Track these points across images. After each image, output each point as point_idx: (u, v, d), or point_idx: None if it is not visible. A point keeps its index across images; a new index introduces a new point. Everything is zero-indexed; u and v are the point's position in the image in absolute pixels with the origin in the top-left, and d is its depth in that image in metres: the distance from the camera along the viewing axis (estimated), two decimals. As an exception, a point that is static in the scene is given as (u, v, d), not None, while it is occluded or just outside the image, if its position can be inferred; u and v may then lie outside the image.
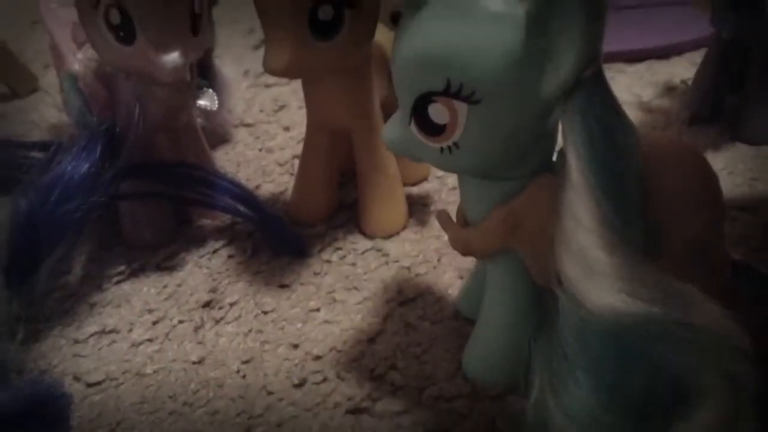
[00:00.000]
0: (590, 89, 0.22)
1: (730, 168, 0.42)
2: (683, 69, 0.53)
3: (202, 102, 0.36)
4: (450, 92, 0.23)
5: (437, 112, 0.24)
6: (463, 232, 0.28)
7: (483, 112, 0.23)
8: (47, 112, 0.51)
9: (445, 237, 0.37)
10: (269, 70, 0.32)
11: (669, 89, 0.51)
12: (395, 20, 0.40)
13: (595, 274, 0.22)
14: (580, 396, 0.23)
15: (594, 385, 0.23)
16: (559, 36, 0.21)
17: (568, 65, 0.21)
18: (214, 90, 0.39)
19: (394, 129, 0.26)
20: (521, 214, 0.26)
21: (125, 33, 0.32)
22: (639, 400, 0.22)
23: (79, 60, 0.36)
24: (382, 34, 0.36)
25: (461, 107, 0.23)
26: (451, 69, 0.23)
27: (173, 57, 0.33)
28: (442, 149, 0.25)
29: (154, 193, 0.37)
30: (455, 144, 0.24)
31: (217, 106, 0.36)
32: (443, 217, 0.30)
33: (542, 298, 0.26)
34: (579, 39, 0.21)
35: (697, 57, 0.49)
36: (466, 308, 0.33)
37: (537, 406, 0.24)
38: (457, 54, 0.22)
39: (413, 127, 0.25)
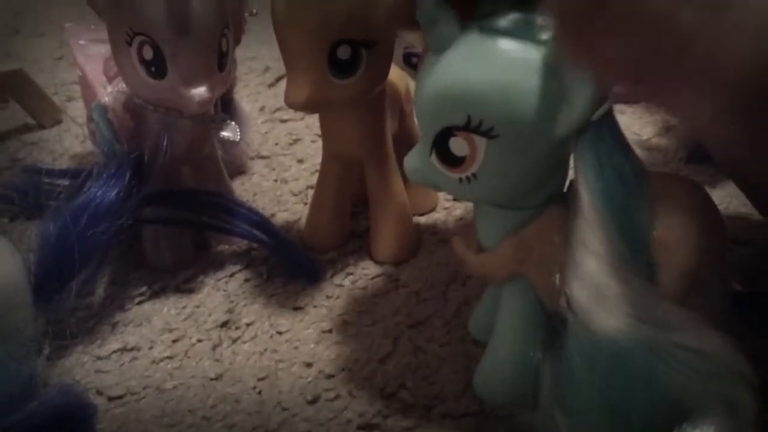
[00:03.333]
0: (601, 127, 0.25)
1: (726, 204, 0.44)
2: (680, 110, 0.54)
3: (225, 133, 0.38)
4: (470, 127, 0.25)
5: (457, 145, 0.26)
6: (478, 258, 0.30)
7: (500, 147, 0.25)
8: (70, 142, 0.53)
9: (453, 264, 0.39)
10: (289, 104, 0.34)
11: (667, 129, 0.53)
12: (407, 60, 0.43)
13: (603, 298, 0.24)
14: (587, 412, 0.24)
15: (600, 403, 0.24)
16: (573, 79, 0.24)
17: (581, 106, 0.24)
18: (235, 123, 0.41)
19: (416, 159, 0.28)
20: (532, 243, 0.28)
21: (156, 68, 0.34)
22: (642, 418, 0.24)
23: (109, 93, 0.38)
24: (395, 73, 0.39)
25: (480, 141, 0.25)
26: (472, 106, 0.25)
27: (201, 91, 0.35)
28: (460, 179, 0.27)
29: (176, 218, 0.39)
30: (473, 175, 0.26)
31: (239, 137, 0.38)
32: (459, 244, 0.31)
33: (550, 320, 0.28)
34: (591, 83, 0.23)
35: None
36: (476, 331, 0.35)
37: (546, 421, 0.26)
38: (478, 92, 0.25)
39: (434, 158, 0.27)
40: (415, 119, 0.28)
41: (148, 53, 0.34)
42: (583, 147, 0.25)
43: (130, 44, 0.34)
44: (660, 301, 0.24)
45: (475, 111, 0.25)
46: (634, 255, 0.24)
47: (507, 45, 0.24)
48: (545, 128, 0.25)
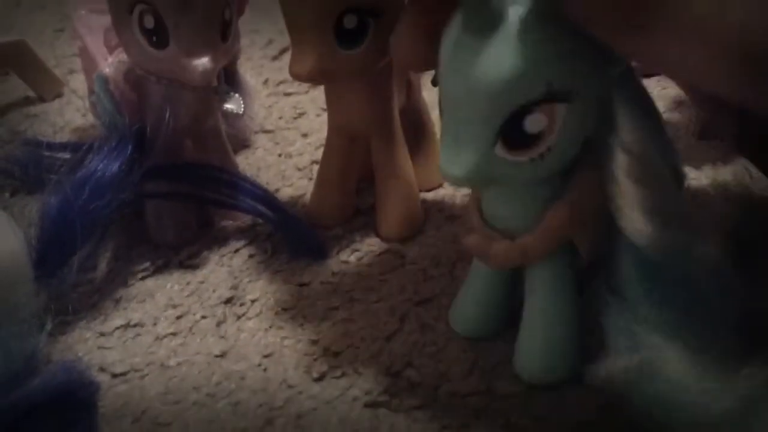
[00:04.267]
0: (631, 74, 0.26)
1: (738, 180, 0.43)
2: (693, 85, 0.53)
3: (228, 106, 0.38)
4: (552, 95, 0.24)
5: (534, 121, 0.24)
6: (518, 243, 0.29)
7: (577, 107, 0.24)
8: (72, 115, 0.52)
9: (460, 240, 0.39)
10: (294, 74, 0.34)
11: (679, 104, 0.51)
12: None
13: (659, 216, 0.24)
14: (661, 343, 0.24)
15: (666, 326, 0.24)
16: None
17: None
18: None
19: (466, 161, 0.25)
20: (583, 200, 0.27)
21: (158, 38, 0.34)
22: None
23: (110, 64, 0.38)
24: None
25: (560, 108, 0.24)
26: (552, 71, 0.23)
27: (203, 62, 0.34)
28: (532, 159, 0.25)
29: (179, 193, 0.38)
30: (548, 149, 0.25)
31: (243, 110, 0.38)
32: (480, 240, 0.30)
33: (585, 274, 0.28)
34: None
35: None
36: (466, 328, 0.34)
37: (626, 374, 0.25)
38: (556, 55, 0.23)
39: (499, 149, 0.25)
40: (454, 117, 0.25)
41: (150, 22, 0.33)
42: (620, 86, 0.25)
43: (131, 12, 0.33)
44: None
45: (555, 75, 0.23)
46: (673, 176, 0.25)
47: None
48: (605, 71, 0.24)
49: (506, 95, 0.24)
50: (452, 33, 0.25)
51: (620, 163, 0.25)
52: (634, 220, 0.25)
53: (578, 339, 0.30)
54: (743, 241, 0.27)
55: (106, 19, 0.36)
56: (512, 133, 0.24)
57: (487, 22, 0.23)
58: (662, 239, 0.24)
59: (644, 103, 0.26)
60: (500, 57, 0.23)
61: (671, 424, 0.23)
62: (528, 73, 0.23)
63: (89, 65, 0.42)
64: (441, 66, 0.25)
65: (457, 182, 0.26)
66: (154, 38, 0.34)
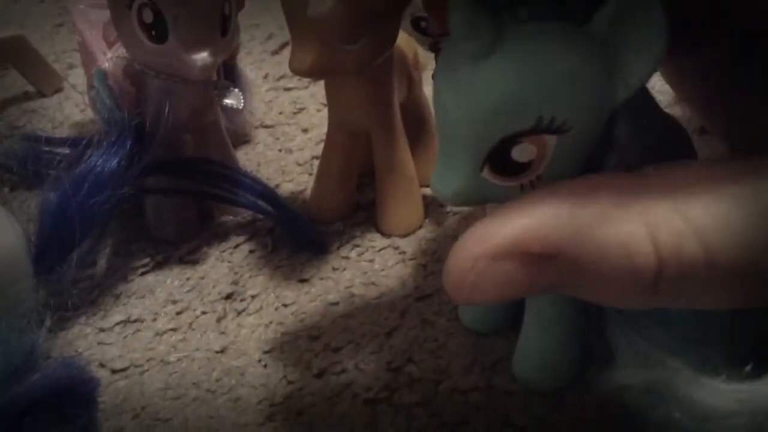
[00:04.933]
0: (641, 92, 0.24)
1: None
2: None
3: (228, 101, 0.37)
4: (541, 128, 0.22)
5: (523, 151, 0.23)
6: None
7: (570, 138, 0.23)
8: (71, 110, 0.52)
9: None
10: (293, 69, 0.33)
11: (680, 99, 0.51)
12: (416, 25, 0.41)
13: None
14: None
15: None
16: (630, 51, 0.22)
17: (639, 76, 0.22)
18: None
19: (453, 181, 0.24)
20: None
21: (157, 32, 0.33)
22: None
23: (109, 58, 0.37)
24: (403, 39, 0.38)
25: (550, 140, 0.23)
26: (543, 104, 0.22)
27: (203, 56, 0.34)
28: (522, 186, 0.24)
29: (180, 188, 0.38)
30: (538, 177, 0.24)
31: (242, 105, 0.37)
32: None
33: None
34: (650, 55, 0.22)
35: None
36: (467, 318, 0.34)
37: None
38: (548, 88, 0.22)
39: (487, 173, 0.24)
40: (444, 136, 0.24)
41: (148, 16, 0.33)
42: (627, 112, 0.24)
43: (129, 7, 0.33)
44: None
45: (547, 109, 0.22)
46: None
47: (558, 30, 0.22)
48: (605, 103, 0.23)
49: (493, 124, 0.23)
50: (448, 53, 0.24)
51: None
52: None
53: (579, 345, 0.30)
54: None
55: (105, 14, 0.36)
56: (500, 160, 0.23)
57: (479, 48, 0.22)
58: None
59: (652, 131, 0.25)
60: (488, 85, 0.22)
61: None
62: (516, 104, 0.22)
63: (88, 60, 0.42)
64: (435, 85, 0.24)
65: (445, 201, 0.26)
66: (153, 32, 0.33)
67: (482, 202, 0.26)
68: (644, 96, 0.25)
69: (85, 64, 0.44)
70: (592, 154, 0.26)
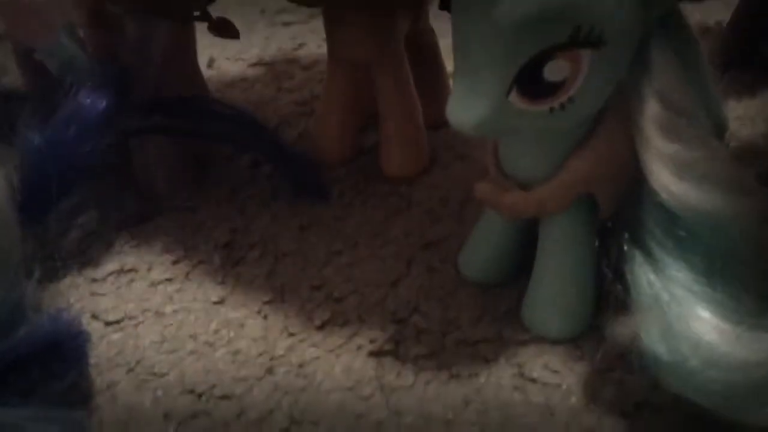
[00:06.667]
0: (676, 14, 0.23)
1: (766, 114, 0.41)
2: (718, 10, 0.50)
3: (224, 33, 0.35)
4: (578, 40, 0.21)
5: (555, 68, 0.21)
6: (534, 194, 0.27)
7: (606, 54, 0.22)
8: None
9: (469, 181, 0.37)
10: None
11: (703, 31, 0.49)
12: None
13: (691, 171, 0.23)
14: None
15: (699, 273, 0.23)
16: None
17: None
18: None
19: (476, 108, 0.22)
20: (608, 151, 0.25)
21: None
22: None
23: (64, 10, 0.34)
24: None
25: (585, 55, 0.21)
26: (581, 12, 0.20)
27: None
28: (551, 109, 0.22)
29: (173, 127, 0.36)
30: (570, 99, 0.22)
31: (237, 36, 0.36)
32: (490, 189, 0.28)
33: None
34: None
35: (732, -1, 0.47)
36: (470, 271, 0.32)
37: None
38: None
39: (515, 97, 0.22)
40: (465, 57, 0.22)
41: None
42: (663, 28, 0.23)
43: None
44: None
45: (587, 18, 0.20)
46: (713, 129, 0.24)
47: None
48: (642, 16, 0.22)
49: (525, 38, 0.21)
50: None
51: (650, 112, 0.23)
52: (663, 177, 0.23)
53: (593, 291, 0.28)
54: None
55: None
56: (530, 80, 0.22)
57: None
58: (693, 198, 0.23)
59: (686, 48, 0.23)
60: None
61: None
62: (552, 13, 0.20)
63: (24, 20, 0.38)
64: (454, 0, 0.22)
65: (466, 131, 0.23)
66: None
67: (505, 133, 0.25)
68: (681, 19, 0.23)
69: (20, 26, 0.40)
70: (629, 80, 0.24)
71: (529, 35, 0.21)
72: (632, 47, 0.23)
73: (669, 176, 0.23)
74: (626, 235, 0.25)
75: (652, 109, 0.23)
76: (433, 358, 0.29)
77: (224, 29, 0.36)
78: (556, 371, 0.28)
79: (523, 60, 0.21)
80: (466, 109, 0.22)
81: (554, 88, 0.22)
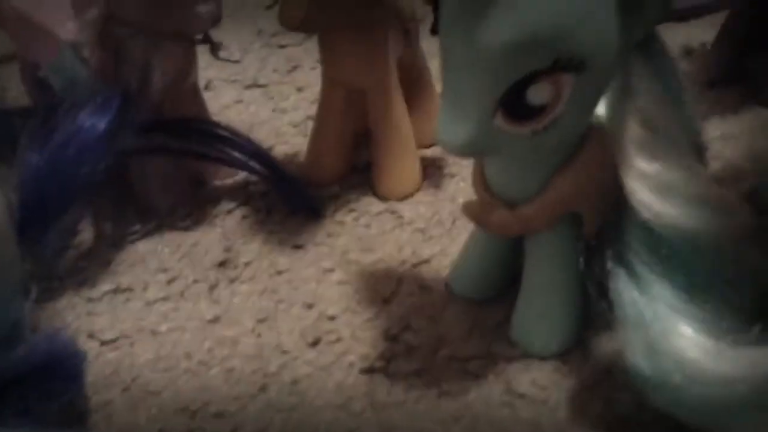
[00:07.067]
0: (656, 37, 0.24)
1: (749, 132, 0.41)
2: (702, 31, 0.51)
3: (223, 55, 0.36)
4: (559, 66, 0.22)
5: (539, 92, 0.22)
6: (519, 213, 0.27)
7: (587, 78, 0.22)
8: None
9: (459, 199, 0.37)
10: (284, 23, 0.32)
11: (688, 52, 0.49)
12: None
13: (669, 191, 0.24)
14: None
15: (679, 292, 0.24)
16: None
17: (656, 10, 0.22)
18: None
19: (462, 130, 0.23)
20: (589, 170, 0.26)
21: None
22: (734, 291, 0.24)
23: (71, 30, 0.35)
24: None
25: (568, 79, 0.22)
26: (561, 40, 0.21)
27: (211, 7, 0.33)
28: (534, 132, 0.23)
29: (170, 148, 0.37)
30: (553, 121, 0.23)
31: (238, 59, 0.36)
32: (477, 207, 0.28)
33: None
34: None
35: (716, 19, 0.48)
36: (460, 286, 0.33)
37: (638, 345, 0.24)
38: (566, 24, 0.21)
39: (500, 119, 0.23)
40: (452, 80, 0.23)
41: None
42: (643, 53, 0.24)
43: None
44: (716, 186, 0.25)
45: (567, 45, 0.21)
46: (692, 148, 0.25)
47: None
48: (621, 42, 0.22)
49: (508, 64, 0.21)
50: None
51: (631, 132, 0.24)
52: (644, 196, 0.24)
53: (578, 308, 0.29)
54: (761, 203, 0.26)
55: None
56: (514, 103, 0.22)
57: None
58: (673, 217, 0.23)
59: (665, 71, 0.24)
60: (504, 21, 0.21)
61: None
62: (535, 41, 0.21)
63: (35, 38, 0.39)
64: (442, 25, 0.23)
65: (453, 152, 0.24)
66: None
67: (491, 154, 0.25)
68: (658, 42, 0.24)
69: (26, 43, 0.41)
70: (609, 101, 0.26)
71: (512, 61, 0.22)
72: (613, 71, 0.24)
73: (650, 195, 0.24)
74: (610, 253, 0.26)
75: (632, 130, 0.24)
76: (423, 375, 0.29)
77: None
78: (544, 387, 0.28)
79: (507, 84, 0.22)
80: (452, 130, 0.23)
81: (537, 111, 0.23)
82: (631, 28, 0.22)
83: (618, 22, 0.22)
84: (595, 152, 0.26)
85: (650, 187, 0.24)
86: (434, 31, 0.24)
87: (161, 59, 0.35)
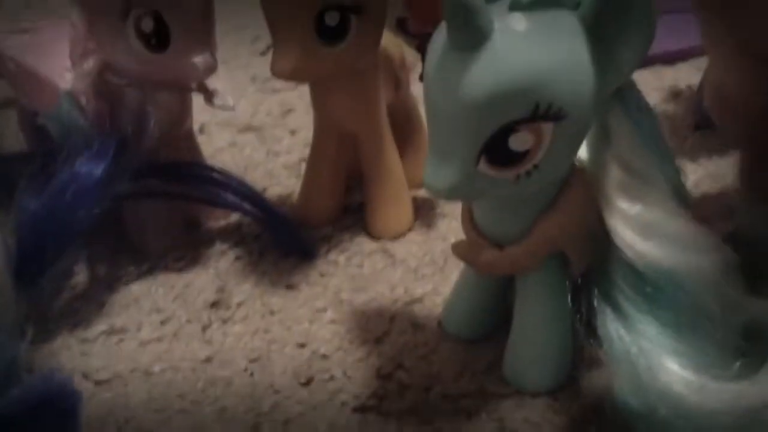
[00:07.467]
0: (631, 85, 0.25)
1: (734, 172, 0.42)
2: (688, 74, 0.53)
3: (218, 102, 0.37)
4: (538, 115, 0.23)
5: (520, 140, 0.23)
6: (507, 253, 0.28)
7: (566, 126, 0.23)
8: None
9: (451, 239, 0.38)
10: (276, 73, 0.33)
11: (674, 94, 0.51)
12: (401, 26, 0.41)
13: (652, 232, 0.24)
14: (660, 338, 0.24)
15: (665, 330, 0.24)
16: (620, 37, 0.23)
17: (630, 63, 0.23)
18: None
19: (448, 176, 0.24)
20: (573, 211, 0.27)
21: (158, 40, 0.33)
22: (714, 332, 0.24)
23: (77, 77, 0.36)
24: (388, 40, 0.37)
25: (547, 128, 0.23)
26: (540, 91, 0.22)
27: (206, 58, 0.34)
28: (518, 177, 0.24)
29: (164, 192, 0.37)
30: (535, 166, 0.24)
31: (233, 105, 0.37)
32: (467, 248, 0.29)
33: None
34: (639, 40, 0.23)
35: (702, 62, 0.49)
36: (453, 325, 0.33)
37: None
38: (545, 75, 0.22)
39: (483, 165, 0.24)
40: (437, 129, 0.24)
41: (148, 25, 0.32)
42: (619, 100, 0.25)
43: (124, 19, 0.32)
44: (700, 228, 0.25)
45: (544, 95, 0.22)
46: (673, 190, 0.25)
47: (551, 17, 0.22)
48: (598, 91, 0.24)
49: (489, 114, 0.23)
50: (437, 45, 0.23)
51: (612, 176, 0.25)
52: (627, 236, 0.25)
53: (569, 346, 0.29)
54: (745, 240, 0.27)
55: (35, 37, 0.35)
56: (496, 150, 0.23)
57: (472, 38, 0.22)
58: (656, 256, 0.24)
59: (642, 117, 0.25)
60: (483, 75, 0.22)
61: None
62: (512, 93, 0.22)
63: (35, 87, 0.40)
64: (425, 78, 0.24)
65: (439, 196, 0.25)
66: (153, 41, 0.33)
67: (476, 197, 0.26)
68: (634, 88, 0.26)
69: (30, 92, 0.42)
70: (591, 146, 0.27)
71: (492, 111, 0.23)
72: (591, 117, 0.25)
73: (633, 236, 0.25)
74: (596, 291, 0.26)
75: (613, 174, 0.25)
76: (415, 414, 0.29)
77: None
78: (536, 424, 0.29)
79: (489, 133, 0.23)
80: (438, 176, 0.24)
81: (520, 157, 0.24)
82: (606, 77, 0.23)
83: (593, 72, 0.23)
84: (578, 194, 0.26)
85: (632, 227, 0.25)
86: (423, 77, 0.26)
87: (157, 107, 0.35)
